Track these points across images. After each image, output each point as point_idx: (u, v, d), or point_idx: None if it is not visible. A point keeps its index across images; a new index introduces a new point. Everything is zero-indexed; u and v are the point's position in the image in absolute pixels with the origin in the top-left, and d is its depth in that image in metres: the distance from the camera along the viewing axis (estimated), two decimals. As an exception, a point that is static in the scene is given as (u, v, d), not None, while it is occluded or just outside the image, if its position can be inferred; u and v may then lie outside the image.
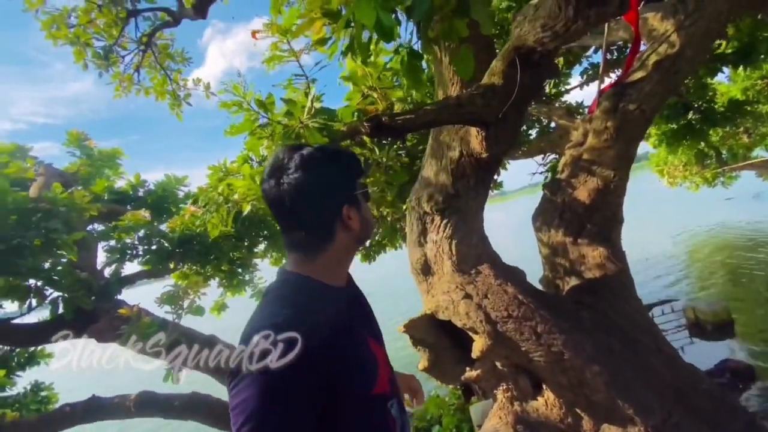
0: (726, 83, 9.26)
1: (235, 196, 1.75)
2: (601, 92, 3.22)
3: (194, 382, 3.72)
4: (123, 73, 4.31)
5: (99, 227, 4.13)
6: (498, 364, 2.66)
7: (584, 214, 3.26)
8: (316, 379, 0.74)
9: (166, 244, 3.65)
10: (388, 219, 4.13)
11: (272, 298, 0.88)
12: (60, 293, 2.85)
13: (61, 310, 2.93)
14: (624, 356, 2.66)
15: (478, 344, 2.49)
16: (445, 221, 2.73)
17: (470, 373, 2.72)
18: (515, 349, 2.52)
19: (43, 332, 3.04)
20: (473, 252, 2.74)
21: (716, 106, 5.67)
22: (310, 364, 0.73)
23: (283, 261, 1.15)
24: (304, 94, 1.68)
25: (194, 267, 3.86)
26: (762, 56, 4.40)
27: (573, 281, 3.25)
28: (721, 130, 9.40)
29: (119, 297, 3.46)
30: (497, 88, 1.79)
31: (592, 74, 5.04)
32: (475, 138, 2.11)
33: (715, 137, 9.68)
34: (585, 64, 4.99)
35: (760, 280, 9.34)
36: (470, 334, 2.61)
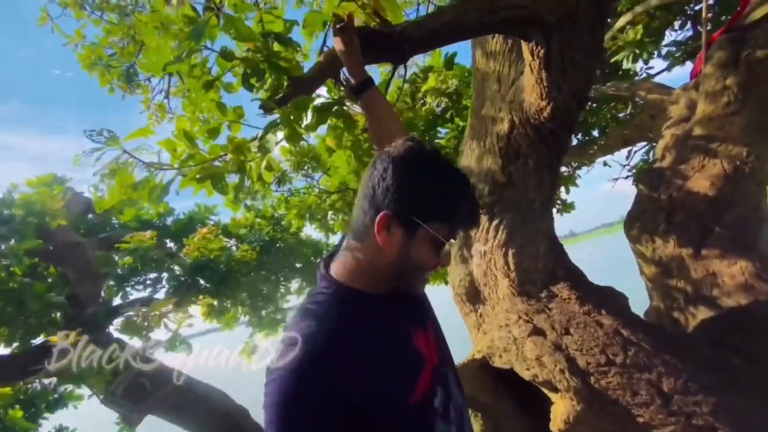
0: None
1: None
2: (708, 43, 2.33)
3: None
4: (152, 100, 4.28)
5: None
6: (596, 442, 1.68)
7: (708, 213, 2.25)
8: (332, 393, 0.69)
9: (178, 271, 3.25)
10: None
11: (306, 305, 0.83)
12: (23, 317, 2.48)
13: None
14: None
15: (561, 409, 1.58)
16: (495, 222, 1.93)
17: (550, 455, 1.76)
18: (624, 418, 1.55)
19: (6, 367, 2.66)
20: (542, 265, 1.89)
21: None
22: (326, 378, 0.69)
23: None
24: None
25: (209, 298, 3.40)
26: None
27: (703, 313, 2.19)
28: None
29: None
30: (559, -31, 1.08)
31: (680, 55, 4.06)
32: (530, 75, 1.37)
33: None
34: (667, 42, 4.05)
35: None
36: (545, 390, 1.70)
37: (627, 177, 3.76)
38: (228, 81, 1.35)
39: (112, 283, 3.36)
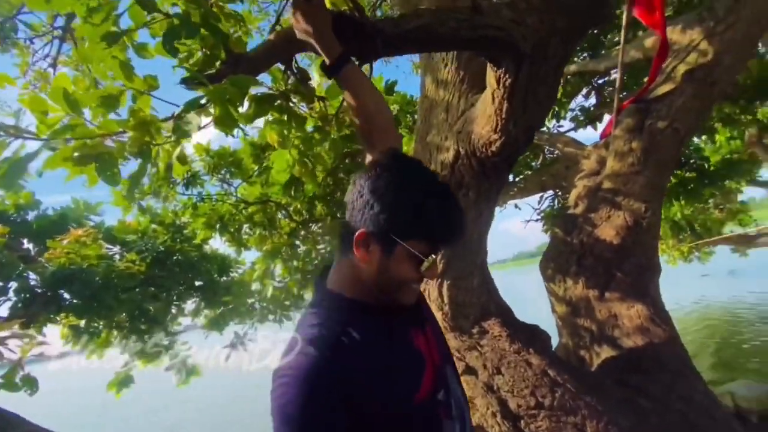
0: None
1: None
2: (619, 110, 2.64)
3: None
4: (33, 66, 3.47)
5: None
6: (520, 490, 1.61)
7: (612, 260, 2.46)
8: (339, 394, 0.70)
9: (34, 281, 2.56)
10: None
11: (306, 313, 0.86)
12: None
13: None
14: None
15: (490, 457, 1.48)
16: (433, 251, 1.83)
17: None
18: (550, 466, 1.50)
19: None
20: (475, 300, 1.83)
21: (709, 165, 5.47)
22: (332, 380, 0.70)
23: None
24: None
25: (74, 317, 2.72)
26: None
27: (606, 352, 2.33)
28: (691, 206, 9.28)
29: None
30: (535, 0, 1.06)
31: (584, 120, 4.63)
32: (490, 105, 1.33)
33: (688, 211, 9.64)
34: (574, 105, 4.60)
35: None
36: (474, 436, 1.59)
37: (537, 220, 4.13)
38: (141, 42, 1.06)
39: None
